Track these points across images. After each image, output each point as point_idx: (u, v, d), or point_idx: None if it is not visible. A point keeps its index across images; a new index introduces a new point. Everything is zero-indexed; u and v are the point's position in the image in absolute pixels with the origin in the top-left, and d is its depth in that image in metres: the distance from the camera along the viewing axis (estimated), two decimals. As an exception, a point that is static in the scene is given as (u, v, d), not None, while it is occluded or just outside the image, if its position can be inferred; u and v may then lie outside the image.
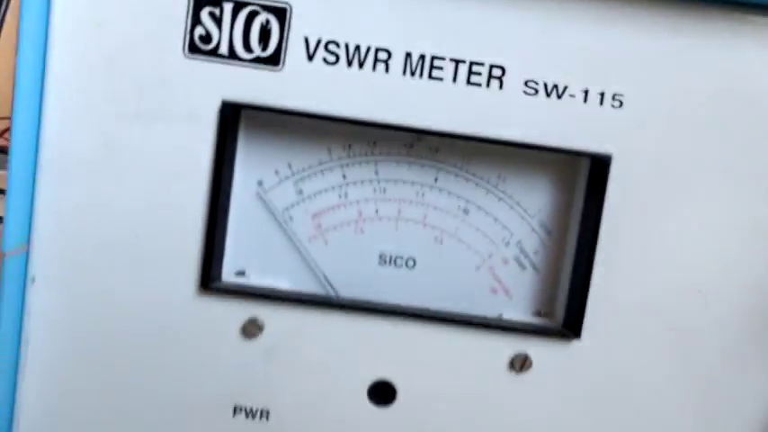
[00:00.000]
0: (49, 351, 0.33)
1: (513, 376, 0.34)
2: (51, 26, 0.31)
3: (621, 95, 0.32)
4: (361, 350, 0.34)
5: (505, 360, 0.34)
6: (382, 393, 0.34)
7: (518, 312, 0.35)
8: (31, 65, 0.31)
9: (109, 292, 0.33)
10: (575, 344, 0.34)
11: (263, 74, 0.32)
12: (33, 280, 0.33)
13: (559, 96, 0.32)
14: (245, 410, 0.34)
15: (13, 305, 0.33)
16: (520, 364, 0.34)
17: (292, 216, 0.35)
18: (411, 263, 0.35)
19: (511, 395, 0.34)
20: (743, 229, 0.33)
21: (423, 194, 0.35)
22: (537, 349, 0.34)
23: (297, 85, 0.32)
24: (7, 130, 1.48)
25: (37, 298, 0.33)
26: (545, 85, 0.32)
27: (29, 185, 0.32)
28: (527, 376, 0.34)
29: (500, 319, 0.35)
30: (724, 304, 0.34)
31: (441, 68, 0.32)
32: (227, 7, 0.32)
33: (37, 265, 0.33)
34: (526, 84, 0.32)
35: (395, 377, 0.34)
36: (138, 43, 0.32)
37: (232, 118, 0.33)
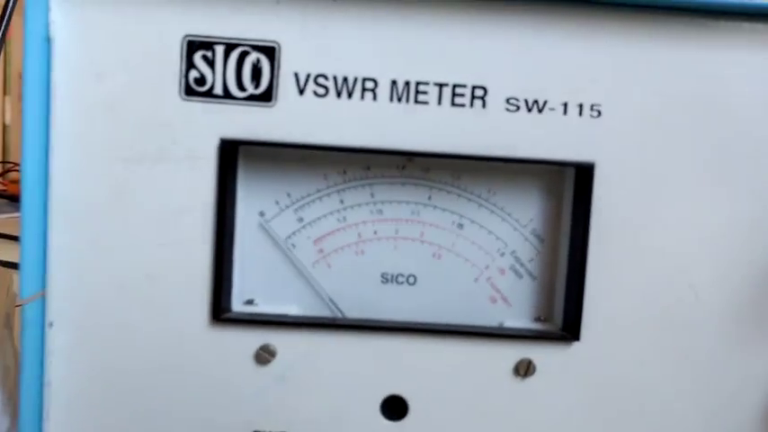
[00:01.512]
0: (70, 391, 0.34)
1: (518, 381, 0.35)
2: (53, 80, 0.33)
3: (599, 105, 0.34)
4: (371, 367, 0.35)
5: (510, 366, 0.35)
6: (395, 408, 0.36)
7: (518, 319, 0.37)
8: (36, 117, 0.33)
9: (125, 330, 0.34)
10: (575, 346, 0.35)
11: (258, 110, 0.34)
12: (51, 324, 0.34)
13: (540, 111, 0.34)
14: (264, 434, 0.35)
15: (33, 350, 0.34)
16: (524, 369, 0.35)
17: (295, 243, 0.36)
18: (412, 279, 0.37)
19: (518, 400, 0.35)
20: (726, 224, 0.35)
21: (418, 213, 0.36)
22: (539, 354, 0.35)
23: (290, 119, 0.34)
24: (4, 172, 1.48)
25: (56, 341, 0.34)
26: (526, 102, 0.34)
27: (41, 233, 0.34)
28: (532, 380, 0.35)
29: (501, 327, 0.36)
30: (715, 297, 0.35)
31: (425, 93, 0.34)
32: (219, 50, 0.33)
33: (54, 310, 0.34)
34: (508, 101, 0.34)
35: (405, 391, 0.35)
36: (136, 90, 0.33)
37: (231, 154, 0.34)
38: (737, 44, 0.34)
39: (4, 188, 1.47)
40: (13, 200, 1.39)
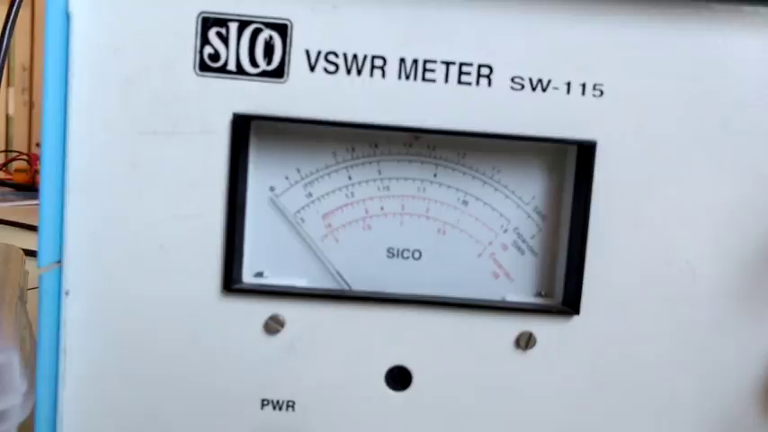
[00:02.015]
0: (85, 358, 0.36)
1: (519, 353, 0.36)
2: (72, 55, 0.34)
3: (602, 85, 0.35)
4: (376, 339, 0.36)
5: (511, 339, 0.36)
6: (399, 378, 0.37)
7: (520, 294, 0.38)
8: (56, 91, 0.34)
9: (138, 300, 0.35)
10: (575, 320, 0.36)
11: (270, 86, 0.35)
12: (67, 293, 0.35)
13: (544, 90, 0.35)
14: (272, 403, 0.36)
15: (50, 318, 0.35)
16: (525, 341, 0.36)
17: (304, 218, 0.37)
18: (417, 254, 0.38)
19: (519, 371, 0.36)
20: (723, 203, 0.36)
21: (424, 189, 0.37)
22: (540, 327, 0.36)
23: (301, 95, 0.35)
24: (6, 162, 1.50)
25: (72, 310, 0.35)
26: (530, 81, 0.35)
27: (59, 205, 0.35)
28: (532, 353, 0.36)
29: (503, 301, 0.37)
30: (711, 274, 0.36)
31: (433, 71, 0.35)
32: (233, 27, 0.34)
33: (70, 279, 0.35)
34: (513, 80, 0.35)
35: (409, 362, 0.36)
36: (152, 65, 0.34)
37: (243, 129, 0.35)
38: (738, 27, 0.35)
39: (9, 177, 1.49)
40: (18, 189, 1.41)
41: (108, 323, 0.35)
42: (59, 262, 0.35)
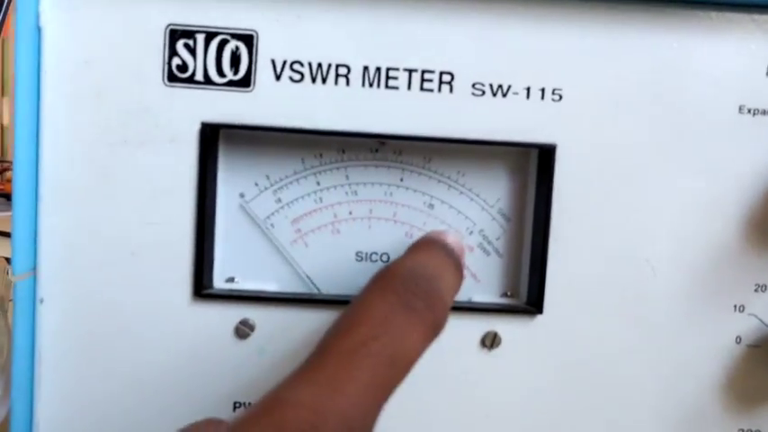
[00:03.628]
0: (59, 363, 0.36)
1: (485, 353, 0.37)
2: (43, 67, 0.35)
3: (560, 90, 0.36)
4: (346, 340, 0.37)
5: (477, 338, 0.37)
6: (368, 378, 0.37)
7: (486, 295, 0.38)
8: (27, 104, 0.35)
9: (111, 306, 0.36)
10: (539, 319, 0.37)
11: (237, 95, 0.35)
12: (42, 301, 0.36)
13: (504, 95, 0.36)
14: (245, 405, 0.37)
15: (24, 325, 0.36)
16: (490, 341, 0.37)
17: (273, 223, 0.38)
18: (385, 257, 0.38)
19: (484, 370, 0.37)
20: (681, 202, 0.37)
21: (391, 194, 0.38)
22: (505, 327, 0.37)
23: (268, 104, 0.36)
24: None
25: (46, 317, 0.36)
26: (491, 86, 0.36)
27: (32, 214, 0.35)
28: (498, 351, 0.37)
29: (470, 301, 0.38)
30: (670, 272, 0.37)
31: (396, 78, 0.36)
32: (200, 38, 0.35)
33: (44, 287, 0.36)
34: (473, 86, 0.36)
35: (378, 363, 0.37)
36: (122, 77, 0.35)
37: (211, 138, 0.36)
38: (692, 30, 0.36)
39: (1, 187, 1.49)
40: (10, 198, 1.41)
41: (81, 329, 0.36)
42: (34, 270, 0.36)
